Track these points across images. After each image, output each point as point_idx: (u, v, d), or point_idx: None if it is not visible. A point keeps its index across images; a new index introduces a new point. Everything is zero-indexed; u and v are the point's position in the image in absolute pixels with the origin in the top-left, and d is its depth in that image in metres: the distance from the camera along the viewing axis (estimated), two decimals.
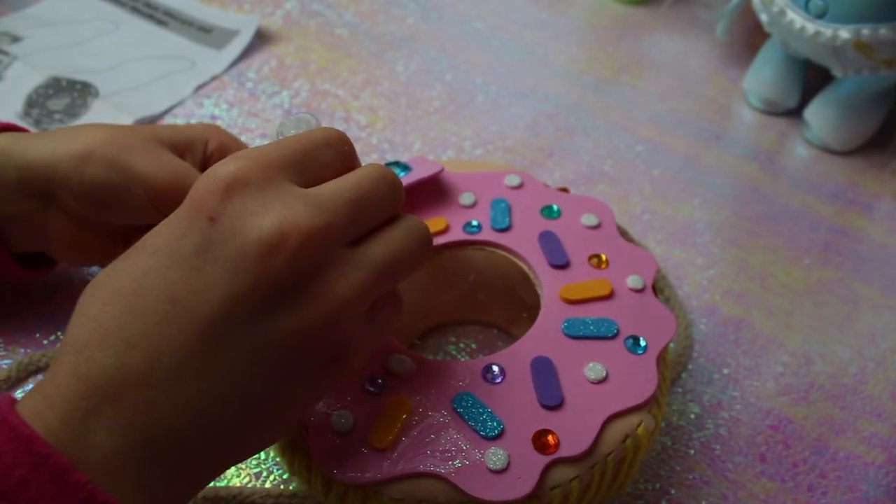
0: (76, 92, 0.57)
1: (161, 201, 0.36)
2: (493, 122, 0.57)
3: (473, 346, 0.43)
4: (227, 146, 0.40)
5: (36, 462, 0.23)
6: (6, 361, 0.41)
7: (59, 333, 0.42)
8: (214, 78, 0.59)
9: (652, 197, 0.53)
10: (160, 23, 0.64)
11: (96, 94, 0.57)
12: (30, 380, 0.40)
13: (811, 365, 0.44)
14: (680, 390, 0.42)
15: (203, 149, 0.39)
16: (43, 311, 0.44)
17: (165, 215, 0.37)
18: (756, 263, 0.49)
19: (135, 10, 0.65)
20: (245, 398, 0.25)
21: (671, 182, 0.54)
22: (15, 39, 0.61)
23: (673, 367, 0.43)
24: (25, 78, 0.57)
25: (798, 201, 0.53)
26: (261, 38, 0.63)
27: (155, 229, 0.27)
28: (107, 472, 0.23)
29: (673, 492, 0.38)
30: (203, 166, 0.39)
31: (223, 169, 0.26)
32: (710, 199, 0.53)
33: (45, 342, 0.42)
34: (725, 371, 0.43)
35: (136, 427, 0.24)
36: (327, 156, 0.29)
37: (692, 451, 0.40)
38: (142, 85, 0.58)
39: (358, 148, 0.54)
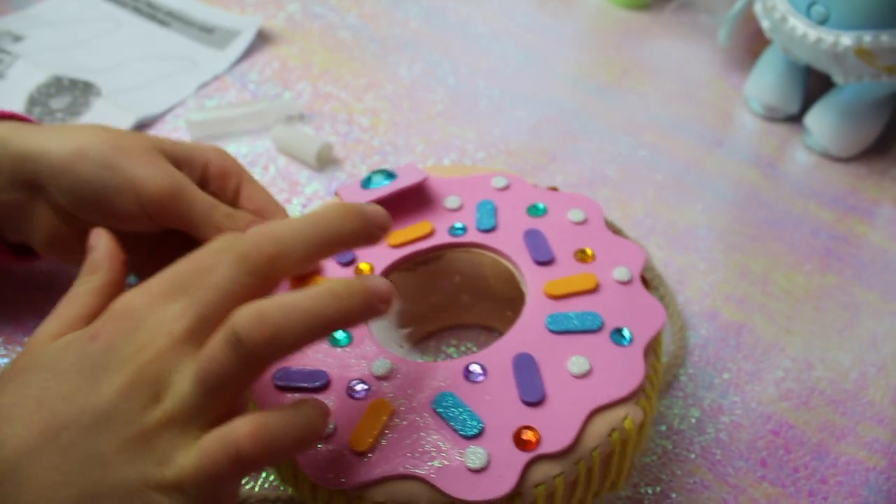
0: (78, 91, 0.56)
1: (152, 208, 0.36)
2: (496, 125, 0.57)
3: (475, 349, 0.43)
4: (227, 170, 0.39)
5: None
6: (5, 360, 0.41)
7: None
8: (216, 77, 0.59)
9: (654, 201, 0.53)
10: (162, 23, 0.64)
11: (98, 94, 0.56)
12: None
13: (812, 370, 0.44)
14: (681, 394, 0.42)
15: (201, 167, 0.39)
16: (43, 311, 0.43)
17: (155, 224, 0.37)
18: (757, 269, 0.49)
19: (136, 11, 0.65)
20: (82, 498, 0.26)
21: (673, 187, 0.54)
22: (17, 38, 0.61)
23: (668, 369, 0.43)
24: (27, 77, 0.57)
25: (799, 207, 0.53)
26: (263, 40, 0.63)
27: (51, 350, 0.29)
28: None
29: (673, 496, 0.38)
30: (200, 185, 0.39)
31: (120, 301, 0.29)
32: (712, 204, 0.53)
33: None
34: (726, 376, 0.43)
35: None
36: (212, 260, 0.29)
37: (693, 456, 0.40)
38: (144, 84, 0.58)
39: (360, 150, 0.54)
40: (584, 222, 0.39)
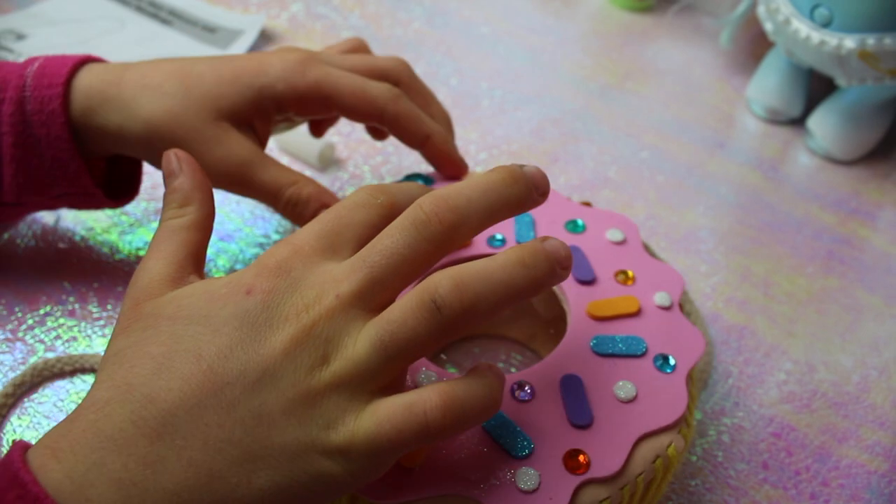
0: None
1: (219, 187, 0.39)
2: (499, 126, 0.57)
3: (501, 358, 0.43)
4: (300, 92, 0.39)
5: None
6: (8, 356, 0.41)
7: (50, 308, 0.42)
8: None
9: (656, 203, 0.53)
10: (165, 22, 0.64)
11: None
12: (45, 384, 0.40)
13: (814, 373, 0.44)
14: None
15: (274, 104, 0.39)
16: (49, 287, 0.44)
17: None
18: (759, 271, 0.49)
19: (139, 10, 0.65)
20: (245, 458, 0.26)
21: (675, 189, 0.54)
22: (20, 37, 0.61)
23: (694, 385, 0.42)
24: None
25: (801, 210, 0.53)
26: (266, 40, 0.63)
27: (194, 299, 0.28)
28: None
29: (675, 497, 0.38)
30: (281, 109, 0.40)
31: (270, 256, 0.29)
32: (714, 206, 0.53)
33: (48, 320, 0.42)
34: (728, 378, 0.43)
35: (136, 481, 0.25)
36: (360, 217, 0.30)
37: (694, 458, 0.40)
38: None
39: (362, 150, 0.54)
40: (623, 243, 0.38)
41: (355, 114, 0.40)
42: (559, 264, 0.28)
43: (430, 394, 0.26)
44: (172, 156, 0.33)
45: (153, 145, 0.38)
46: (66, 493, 0.24)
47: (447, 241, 0.28)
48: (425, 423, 0.26)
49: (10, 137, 0.39)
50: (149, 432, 0.25)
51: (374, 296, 0.27)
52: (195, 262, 0.31)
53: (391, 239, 0.28)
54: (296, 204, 0.39)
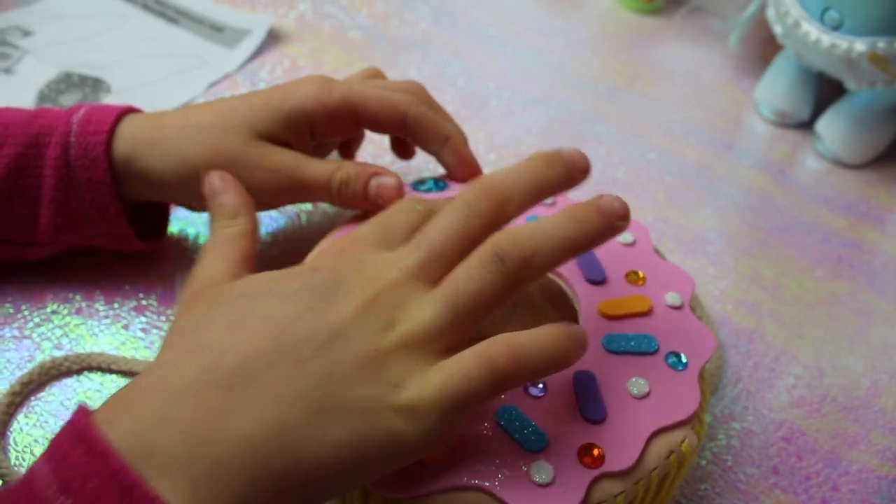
0: (88, 87, 0.56)
1: (269, 207, 0.42)
2: (506, 127, 0.57)
3: None
4: (329, 108, 0.40)
5: (108, 475, 0.24)
6: (15, 354, 0.41)
7: (56, 306, 0.42)
8: (226, 76, 0.59)
9: (664, 205, 0.52)
10: (171, 20, 0.64)
11: (108, 90, 0.56)
12: (52, 383, 0.40)
13: (824, 377, 0.44)
14: None
15: (307, 124, 0.40)
16: (56, 281, 0.43)
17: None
18: (768, 274, 0.49)
19: (145, 7, 0.65)
20: (317, 410, 0.27)
21: (683, 190, 0.54)
22: (26, 33, 0.61)
23: (705, 384, 0.42)
24: (37, 72, 0.57)
25: (810, 213, 0.53)
26: (274, 39, 0.63)
27: (260, 281, 0.30)
28: (164, 476, 0.24)
29: (684, 502, 0.38)
30: (314, 131, 0.41)
31: (331, 246, 0.32)
32: (722, 208, 0.53)
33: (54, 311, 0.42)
34: (738, 382, 0.43)
35: (204, 430, 0.25)
36: (404, 219, 0.32)
37: (704, 462, 0.40)
38: (154, 81, 0.58)
39: (371, 150, 0.54)
40: (633, 244, 0.39)
41: (381, 122, 0.41)
42: (615, 216, 0.31)
43: (494, 341, 0.27)
44: (214, 176, 0.36)
45: (197, 183, 0.39)
46: (132, 443, 0.25)
47: (496, 215, 0.30)
48: (492, 368, 0.27)
49: (52, 180, 0.40)
50: (219, 384, 0.26)
51: (435, 269, 0.29)
52: (248, 267, 0.32)
53: (445, 218, 0.30)
54: (347, 183, 0.39)
